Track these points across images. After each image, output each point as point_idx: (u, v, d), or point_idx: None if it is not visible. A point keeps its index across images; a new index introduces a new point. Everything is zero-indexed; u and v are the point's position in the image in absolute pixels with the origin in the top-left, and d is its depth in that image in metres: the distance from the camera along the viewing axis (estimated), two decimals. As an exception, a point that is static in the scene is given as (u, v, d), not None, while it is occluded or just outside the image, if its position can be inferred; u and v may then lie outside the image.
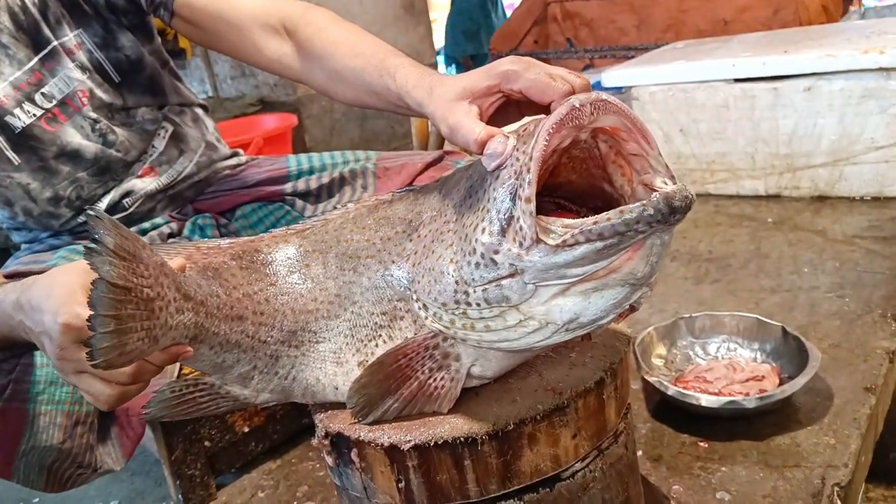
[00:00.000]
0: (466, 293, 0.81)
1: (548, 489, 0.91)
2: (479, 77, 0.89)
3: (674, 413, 1.39)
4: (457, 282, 0.81)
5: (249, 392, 0.96)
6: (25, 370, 1.17)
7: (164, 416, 0.97)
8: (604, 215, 0.71)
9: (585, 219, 0.72)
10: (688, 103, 2.58)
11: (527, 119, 0.85)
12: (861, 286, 1.81)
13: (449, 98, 0.89)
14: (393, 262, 0.91)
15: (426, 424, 0.88)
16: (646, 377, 1.38)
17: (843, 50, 2.30)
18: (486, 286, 0.79)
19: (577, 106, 0.73)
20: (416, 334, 0.90)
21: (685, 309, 1.78)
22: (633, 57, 3.47)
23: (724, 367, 1.48)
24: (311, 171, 1.55)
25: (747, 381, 1.42)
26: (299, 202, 1.52)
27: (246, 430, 1.43)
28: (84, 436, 1.20)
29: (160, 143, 1.44)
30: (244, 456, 1.46)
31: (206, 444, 1.37)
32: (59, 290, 0.86)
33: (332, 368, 0.94)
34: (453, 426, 0.87)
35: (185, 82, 1.55)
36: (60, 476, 1.20)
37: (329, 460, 0.95)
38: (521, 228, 0.74)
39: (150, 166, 1.42)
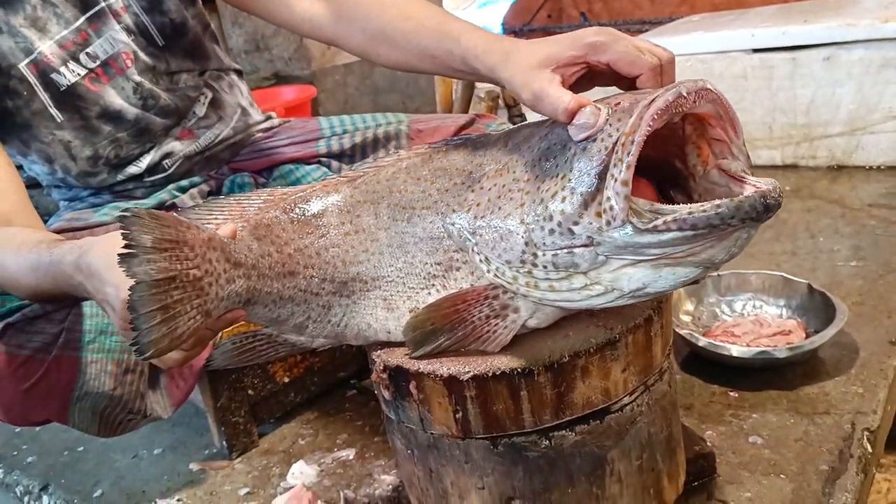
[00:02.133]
0: (535, 255, 0.83)
1: (598, 421, 0.95)
2: (564, 46, 0.88)
3: (703, 365, 1.43)
4: (526, 243, 0.83)
5: (305, 338, 1.00)
6: (76, 319, 1.20)
7: (227, 365, 1.01)
8: (698, 206, 0.72)
9: (678, 206, 0.73)
10: (706, 73, 2.60)
11: (619, 93, 0.85)
12: (880, 249, 1.85)
13: (530, 65, 0.88)
14: (453, 211, 0.92)
15: (483, 357, 0.91)
16: (676, 330, 1.42)
17: (863, 19, 2.32)
18: (556, 251, 0.81)
19: (685, 94, 0.74)
20: (472, 285, 0.92)
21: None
22: (647, 31, 3.49)
23: (751, 322, 1.51)
24: (343, 132, 1.57)
25: (774, 335, 1.46)
26: (335, 163, 1.55)
27: (286, 380, 1.47)
28: (134, 383, 1.24)
29: (200, 110, 1.45)
30: (284, 406, 1.50)
31: (250, 392, 1.41)
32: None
33: (384, 314, 0.97)
34: (510, 359, 0.90)
35: (221, 45, 1.57)
36: (112, 421, 1.23)
37: (385, 394, 0.98)
38: (611, 208, 0.74)
39: (189, 129, 1.44)
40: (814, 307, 1.48)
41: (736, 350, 1.35)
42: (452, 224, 0.92)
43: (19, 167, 1.30)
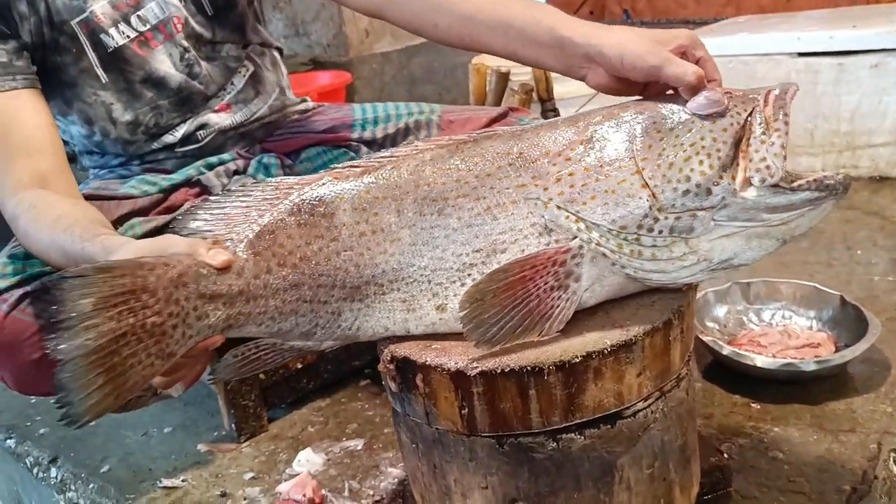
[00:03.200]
0: (656, 219, 0.87)
1: (609, 426, 0.91)
2: (670, 36, 0.94)
3: (726, 374, 1.39)
4: (651, 206, 0.86)
5: (313, 343, 0.96)
6: None
7: (231, 377, 0.98)
8: (824, 174, 0.86)
9: (805, 173, 0.88)
10: (748, 76, 2.52)
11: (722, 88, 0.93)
12: (920, 265, 1.78)
13: (648, 39, 0.94)
14: (508, 190, 0.90)
15: (493, 354, 0.88)
16: (700, 336, 1.38)
17: (915, 26, 2.24)
18: (681, 214, 0.87)
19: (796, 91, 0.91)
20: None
21: (737, 277, 1.76)
22: (691, 30, 3.41)
23: (779, 332, 1.46)
24: (375, 122, 1.55)
25: (802, 347, 1.41)
26: (364, 149, 1.53)
27: (299, 366, 1.46)
28: None
29: (239, 82, 1.44)
30: (296, 392, 1.49)
31: (261, 376, 1.40)
32: None
33: (402, 315, 0.93)
34: (520, 356, 0.87)
35: (265, 24, 1.56)
36: None
37: (392, 386, 0.96)
38: (768, 167, 0.85)
39: (227, 103, 1.43)
40: (846, 321, 1.43)
41: (761, 361, 1.30)
42: (536, 199, 0.89)
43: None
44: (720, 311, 1.53)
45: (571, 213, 0.89)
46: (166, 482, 1.32)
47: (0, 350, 1.09)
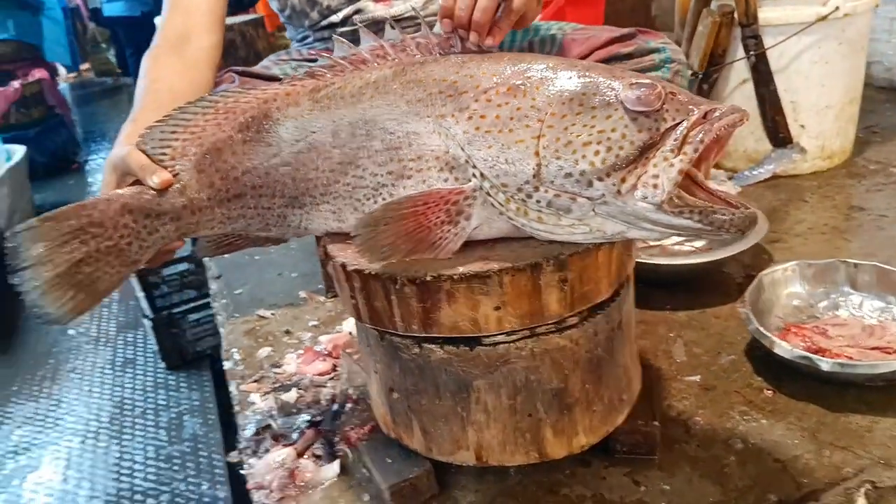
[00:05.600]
0: (536, 188, 0.87)
1: (467, 347, 0.97)
2: None
3: (762, 354, 1.25)
4: (533, 175, 0.87)
5: (275, 234, 1.08)
6: None
7: (211, 255, 1.15)
8: (720, 207, 0.82)
9: (697, 200, 0.83)
10: None
11: (673, 86, 0.88)
12: None
13: None
14: (441, 117, 0.94)
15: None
16: (738, 307, 1.26)
17: None
18: (560, 193, 0.87)
19: (743, 120, 0.85)
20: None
21: (847, 252, 1.52)
22: None
23: (862, 328, 1.26)
24: (512, 42, 1.58)
25: (873, 349, 1.20)
26: None
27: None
28: None
29: None
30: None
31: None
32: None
33: (336, 224, 1.03)
34: (389, 265, 0.96)
35: None
36: None
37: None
38: (655, 186, 0.82)
39: None
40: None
41: (778, 348, 1.16)
42: (447, 130, 0.94)
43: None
44: (809, 287, 1.35)
45: (468, 157, 0.92)
46: (261, 312, 1.66)
47: None
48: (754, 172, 1.97)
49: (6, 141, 4.34)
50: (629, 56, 1.44)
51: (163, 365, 2.72)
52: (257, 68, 1.60)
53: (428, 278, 0.93)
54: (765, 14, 1.84)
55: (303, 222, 1.05)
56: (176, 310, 2.61)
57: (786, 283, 1.35)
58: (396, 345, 1.02)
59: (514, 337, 0.97)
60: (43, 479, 2.24)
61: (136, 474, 2.26)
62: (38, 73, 5.30)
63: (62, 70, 7.38)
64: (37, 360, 2.93)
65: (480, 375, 0.98)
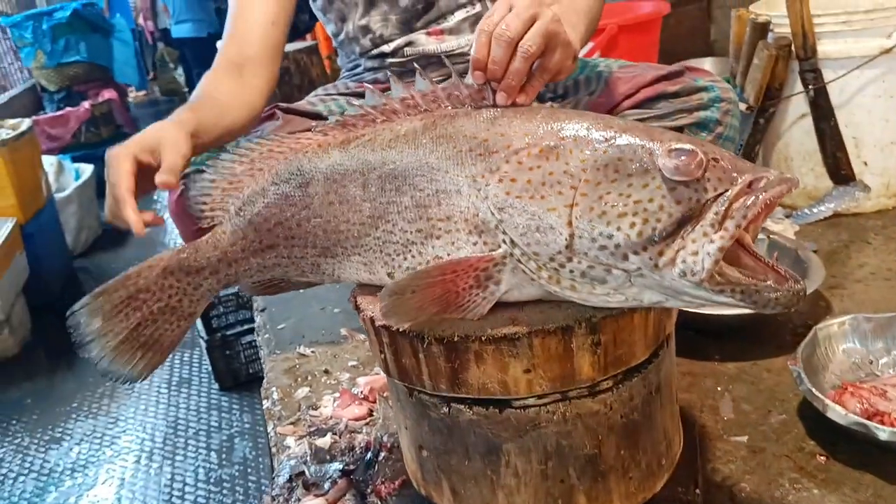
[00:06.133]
0: (569, 259, 0.84)
1: (496, 409, 0.94)
2: None
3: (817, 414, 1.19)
4: (566, 246, 0.84)
5: (315, 280, 1.08)
6: None
7: (256, 295, 1.21)
8: (763, 284, 0.78)
9: (741, 276, 0.78)
10: None
11: (716, 149, 0.84)
12: None
13: None
14: (473, 179, 0.91)
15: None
16: (789, 363, 1.19)
17: None
18: (594, 265, 0.83)
19: (792, 188, 0.80)
20: (449, 255, 0.93)
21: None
22: None
23: (931, 391, 1.18)
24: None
25: (935, 414, 1.12)
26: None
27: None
28: None
29: (459, 15, 1.50)
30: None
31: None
32: None
33: (367, 276, 1.02)
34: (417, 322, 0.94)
35: None
36: None
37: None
38: (695, 263, 0.78)
39: (441, 30, 1.50)
40: None
41: (833, 412, 1.09)
42: (476, 191, 0.91)
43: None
44: (866, 343, 1.27)
45: (499, 222, 0.89)
46: (302, 349, 1.66)
47: (177, 217, 1.46)
48: (814, 211, 1.89)
49: (76, 160, 4.52)
50: (676, 95, 1.40)
51: (216, 386, 2.76)
52: (302, 104, 1.60)
53: (456, 339, 0.91)
54: (824, 47, 1.77)
55: (336, 271, 1.05)
56: (230, 332, 2.64)
57: (843, 338, 1.28)
58: (425, 402, 0.99)
59: (544, 400, 0.93)
60: (98, 498, 2.28)
61: (186, 497, 2.28)
62: (108, 94, 5.51)
63: (131, 89, 7.67)
64: (97, 378, 3.00)
65: (510, 439, 0.95)
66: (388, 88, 1.05)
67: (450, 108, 0.99)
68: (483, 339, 0.90)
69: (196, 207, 1.09)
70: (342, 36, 1.55)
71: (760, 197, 0.77)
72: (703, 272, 0.77)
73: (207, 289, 1.07)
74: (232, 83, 1.33)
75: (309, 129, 1.08)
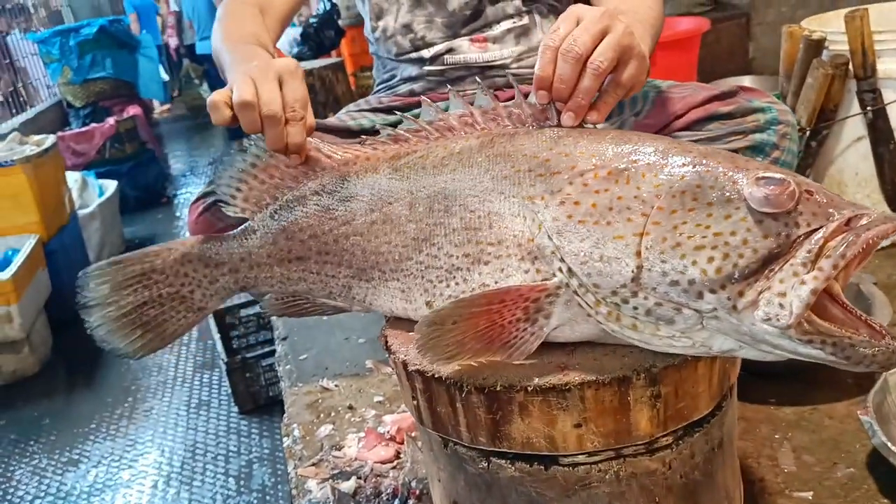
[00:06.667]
0: (634, 294, 0.75)
1: (542, 466, 0.85)
2: None
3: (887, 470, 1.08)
4: (632, 279, 0.75)
5: (341, 304, 1.00)
6: None
7: (278, 315, 1.12)
8: (859, 339, 0.69)
9: (833, 328, 0.70)
10: None
11: (809, 181, 0.76)
12: None
13: None
14: (531, 199, 0.83)
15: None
16: (860, 413, 1.09)
17: None
18: (662, 302, 0.75)
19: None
20: (497, 283, 0.85)
21: None
22: None
23: None
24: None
25: None
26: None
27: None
28: None
29: (505, 24, 1.43)
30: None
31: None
32: None
33: (402, 304, 0.94)
34: (457, 368, 0.85)
35: None
36: None
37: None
38: (781, 306, 0.69)
39: (485, 38, 1.43)
40: None
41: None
42: (534, 214, 0.83)
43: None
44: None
45: (556, 247, 0.80)
46: (325, 383, 1.57)
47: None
48: (870, 239, 1.77)
49: (101, 175, 4.52)
50: (730, 116, 1.30)
51: (235, 409, 2.69)
52: (332, 120, 1.53)
53: (498, 388, 0.82)
54: (885, 66, 1.67)
55: (368, 297, 0.96)
56: (250, 354, 2.58)
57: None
58: (462, 455, 0.90)
59: (596, 458, 0.84)
60: (115, 523, 2.24)
61: (204, 525, 2.23)
62: (133, 110, 5.52)
63: (156, 103, 7.70)
64: (115, 398, 2.96)
65: (556, 499, 0.86)
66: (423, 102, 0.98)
67: (510, 126, 0.91)
68: (529, 389, 0.81)
69: (227, 190, 1.00)
70: (378, 33, 1.47)
71: (862, 236, 0.68)
72: (792, 317, 0.68)
73: (223, 286, 1.02)
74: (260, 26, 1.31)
75: (358, 143, 1.01)
